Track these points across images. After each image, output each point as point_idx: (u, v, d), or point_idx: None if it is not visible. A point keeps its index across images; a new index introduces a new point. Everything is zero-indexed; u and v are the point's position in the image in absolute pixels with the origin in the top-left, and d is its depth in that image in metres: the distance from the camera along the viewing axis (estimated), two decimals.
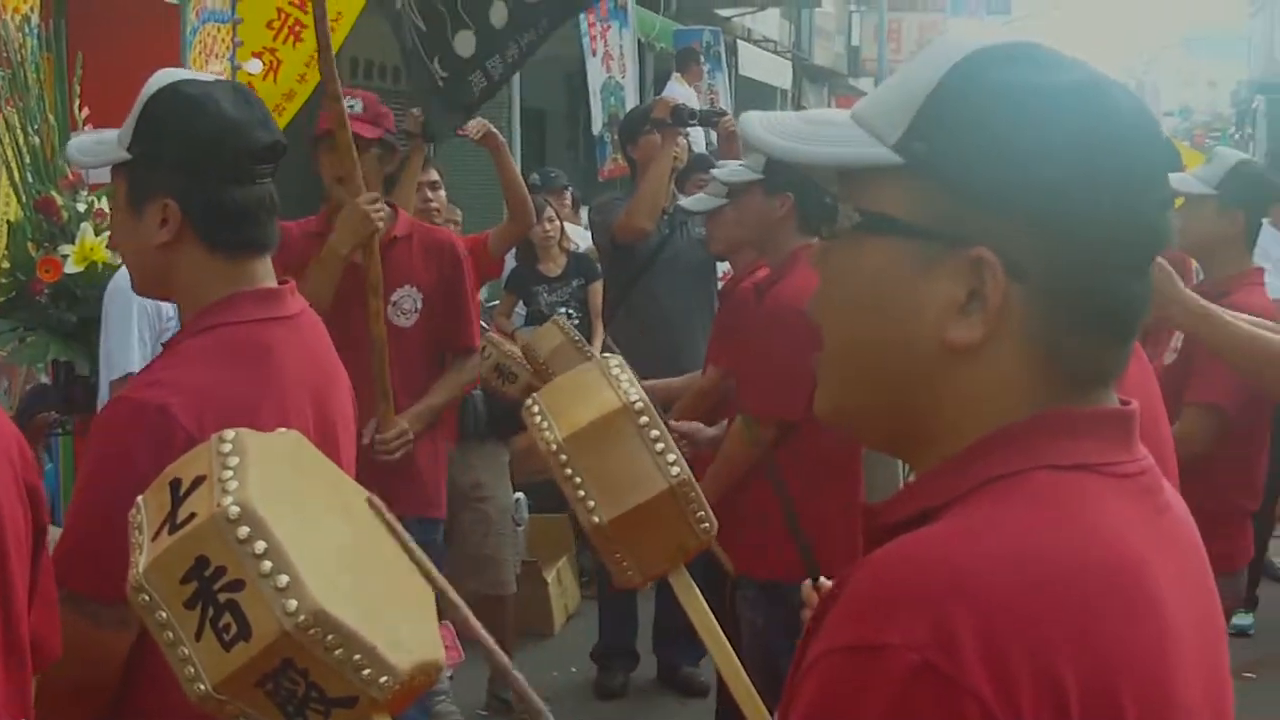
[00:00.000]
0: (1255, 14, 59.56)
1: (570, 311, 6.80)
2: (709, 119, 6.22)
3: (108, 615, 2.07)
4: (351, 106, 4.45)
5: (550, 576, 6.78)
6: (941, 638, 1.01)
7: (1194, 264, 5.05)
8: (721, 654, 2.22)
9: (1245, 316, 3.70)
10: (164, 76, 2.31)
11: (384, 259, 4.44)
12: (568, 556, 7.05)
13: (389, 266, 4.45)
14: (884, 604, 1.05)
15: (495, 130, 5.70)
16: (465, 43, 5.15)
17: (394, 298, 4.50)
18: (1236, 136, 19.83)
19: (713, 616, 2.26)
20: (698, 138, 8.83)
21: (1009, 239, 1.11)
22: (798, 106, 24.89)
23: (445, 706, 5.51)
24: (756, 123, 1.24)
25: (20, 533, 1.81)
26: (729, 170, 4.32)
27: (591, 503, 2.23)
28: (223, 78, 3.03)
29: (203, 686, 1.50)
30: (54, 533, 2.06)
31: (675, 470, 2.27)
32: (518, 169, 5.86)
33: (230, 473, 1.57)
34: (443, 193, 5.67)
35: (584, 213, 8.14)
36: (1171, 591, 1.13)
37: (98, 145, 2.39)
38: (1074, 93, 1.13)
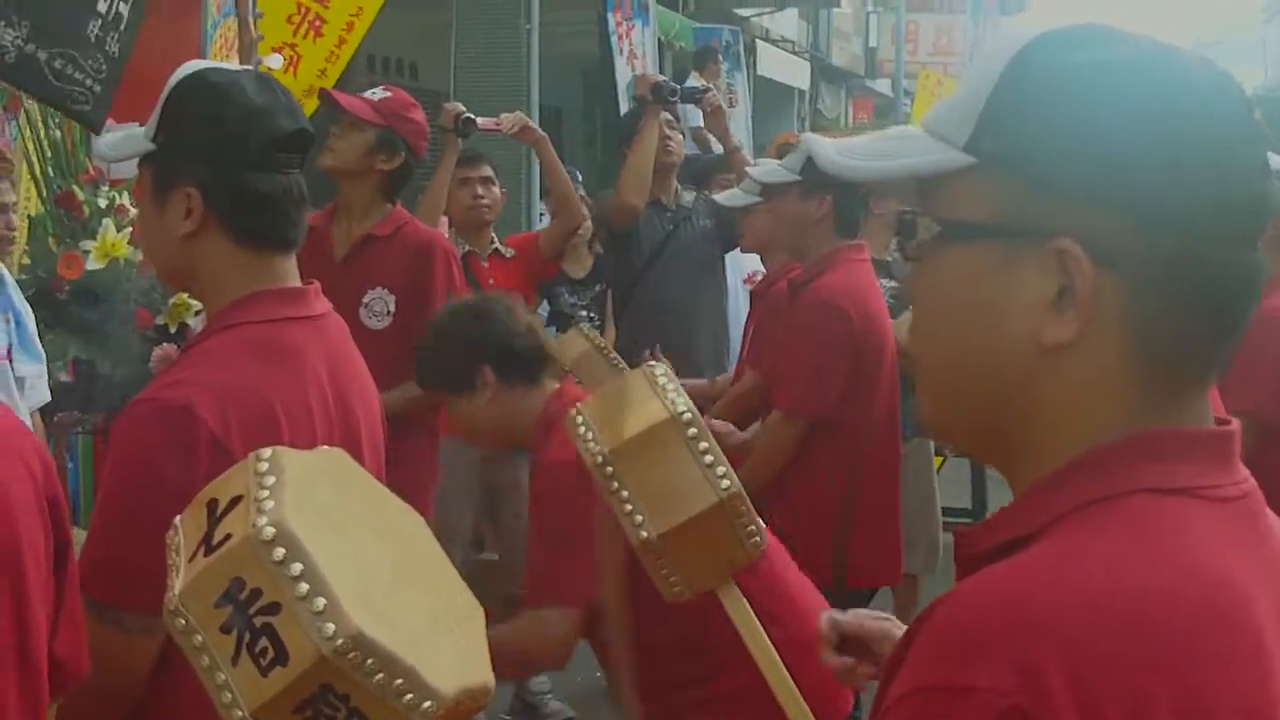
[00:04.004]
0: (1268, 20, 59.49)
1: (592, 315, 6.70)
2: (691, 95, 6.12)
3: (133, 623, 2.02)
4: (374, 93, 4.43)
5: None
6: (1030, 681, 0.96)
7: None
8: (771, 668, 2.17)
9: None
10: (190, 66, 2.29)
11: (357, 258, 4.36)
12: None
13: (362, 266, 4.35)
14: (969, 643, 1.00)
15: (533, 124, 5.59)
16: None
17: (365, 299, 4.35)
18: None
19: (763, 630, 2.21)
20: (696, 117, 8.64)
21: (1094, 226, 1.05)
22: (814, 107, 24.89)
23: None
24: (830, 149, 1.20)
25: (39, 551, 1.74)
26: (766, 170, 4.26)
27: (639, 517, 2.16)
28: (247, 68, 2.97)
29: (240, 713, 1.46)
30: (78, 534, 1.99)
31: (725, 483, 2.20)
32: (561, 165, 5.74)
33: (266, 492, 1.52)
34: (496, 189, 5.54)
35: None
36: (1273, 625, 1.06)
37: (126, 140, 2.36)
38: (1140, 65, 1.07)
